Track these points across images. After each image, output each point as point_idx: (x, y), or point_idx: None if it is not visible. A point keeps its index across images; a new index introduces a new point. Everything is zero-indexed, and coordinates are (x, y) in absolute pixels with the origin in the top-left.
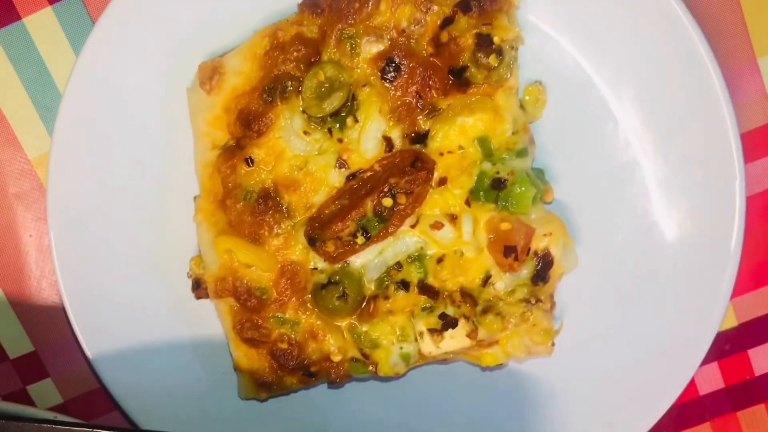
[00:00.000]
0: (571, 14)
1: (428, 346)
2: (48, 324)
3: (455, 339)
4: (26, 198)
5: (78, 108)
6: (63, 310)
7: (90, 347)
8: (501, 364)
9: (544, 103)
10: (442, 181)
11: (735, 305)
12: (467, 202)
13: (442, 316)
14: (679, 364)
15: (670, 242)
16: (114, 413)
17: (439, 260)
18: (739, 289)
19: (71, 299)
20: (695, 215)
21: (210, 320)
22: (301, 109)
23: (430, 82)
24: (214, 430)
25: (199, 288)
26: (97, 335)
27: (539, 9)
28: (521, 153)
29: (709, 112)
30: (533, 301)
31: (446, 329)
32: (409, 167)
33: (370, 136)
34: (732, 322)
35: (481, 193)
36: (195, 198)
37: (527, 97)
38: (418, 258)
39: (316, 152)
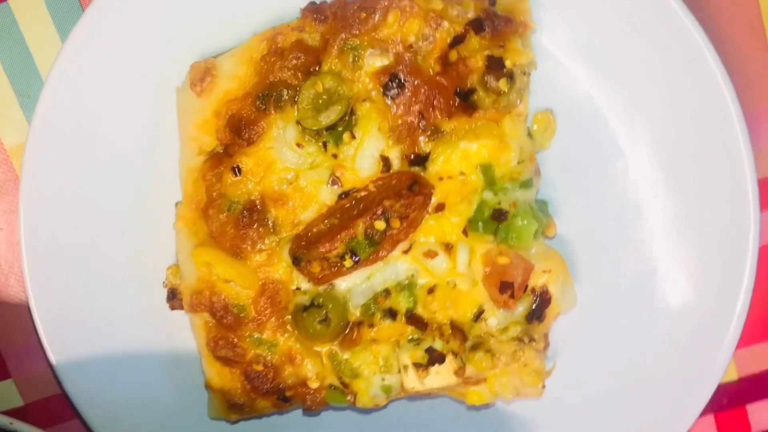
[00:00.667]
0: (588, 42)
1: (412, 381)
2: (14, 323)
3: (441, 375)
4: None
5: (60, 98)
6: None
7: (54, 352)
8: (487, 404)
9: (553, 132)
10: (440, 208)
11: (737, 357)
12: (464, 232)
13: (429, 351)
14: (675, 416)
15: (675, 289)
16: (77, 421)
17: (430, 290)
18: (743, 341)
19: (38, 300)
20: (703, 263)
21: (183, 333)
22: (295, 119)
23: (435, 103)
24: None
25: (174, 299)
26: (63, 339)
27: (555, 34)
28: (526, 184)
29: (726, 155)
30: (526, 340)
31: (432, 365)
32: (406, 190)
33: (367, 154)
34: (732, 375)
35: (480, 223)
36: (177, 204)
37: (535, 126)
38: (408, 286)
39: (308, 166)
